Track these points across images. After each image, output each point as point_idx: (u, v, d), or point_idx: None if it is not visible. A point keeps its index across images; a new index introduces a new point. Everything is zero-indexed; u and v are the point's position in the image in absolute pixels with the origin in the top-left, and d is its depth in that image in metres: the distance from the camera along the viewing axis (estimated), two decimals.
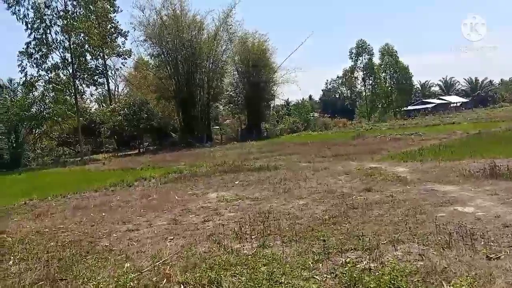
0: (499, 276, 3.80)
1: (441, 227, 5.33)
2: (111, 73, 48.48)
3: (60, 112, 32.29)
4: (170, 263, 4.86)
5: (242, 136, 40.06)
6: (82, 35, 32.05)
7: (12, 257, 5.72)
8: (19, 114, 29.96)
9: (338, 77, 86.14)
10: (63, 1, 31.00)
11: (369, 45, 62.22)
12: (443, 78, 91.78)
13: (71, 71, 32.09)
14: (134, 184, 12.95)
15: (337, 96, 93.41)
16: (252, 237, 5.71)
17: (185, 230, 6.52)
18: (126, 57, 42.58)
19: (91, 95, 42.70)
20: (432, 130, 27.85)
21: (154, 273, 4.56)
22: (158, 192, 10.75)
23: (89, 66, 34.40)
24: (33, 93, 32.83)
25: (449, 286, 3.69)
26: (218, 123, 52.59)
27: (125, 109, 34.56)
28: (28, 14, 29.87)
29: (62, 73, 32.50)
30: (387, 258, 4.43)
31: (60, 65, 31.91)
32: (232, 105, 46.26)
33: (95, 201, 10.24)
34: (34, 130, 35.96)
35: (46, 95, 32.57)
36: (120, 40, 41.82)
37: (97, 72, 36.73)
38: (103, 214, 8.44)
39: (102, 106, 48.83)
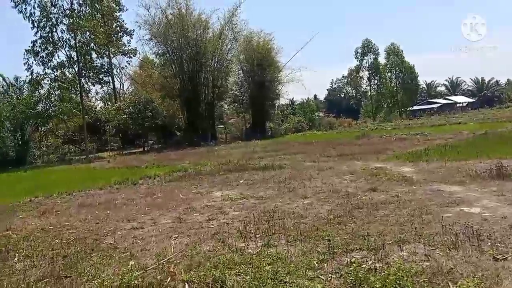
0: (506, 277, 3.77)
1: (447, 228, 5.29)
2: (117, 71, 48.61)
3: (65, 110, 32.41)
4: (175, 262, 4.86)
5: (246, 135, 40.05)
6: (88, 33, 32.22)
7: (17, 254, 5.75)
8: (25, 111, 30.11)
9: (343, 76, 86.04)
10: (69, 0, 31.21)
11: (374, 44, 62.19)
12: (449, 78, 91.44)
13: (76, 69, 32.32)
14: (138, 182, 12.96)
15: (342, 95, 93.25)
16: (257, 236, 5.69)
17: (190, 229, 6.51)
18: (132, 55, 42.81)
19: (97, 93, 42.71)
20: (438, 130, 27.68)
21: (159, 271, 4.56)
22: (163, 191, 10.76)
23: (95, 65, 34.65)
24: (39, 91, 33.06)
25: (456, 287, 3.65)
26: (223, 122, 52.59)
27: (130, 107, 34.69)
28: (34, 13, 30.16)
29: (68, 71, 32.81)
30: (393, 258, 4.40)
31: (66, 63, 32.15)
32: (236, 104, 46.29)
33: (100, 199, 10.27)
34: (39, 128, 36.10)
35: (52, 93, 32.75)
36: (125, 38, 42.11)
37: (103, 70, 36.95)
38: (108, 212, 8.46)
39: (107, 104, 48.92)
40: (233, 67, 42.87)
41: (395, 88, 61.84)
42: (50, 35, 30.82)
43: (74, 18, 30.61)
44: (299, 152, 19.20)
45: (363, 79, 65.37)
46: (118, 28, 40.93)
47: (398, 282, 3.73)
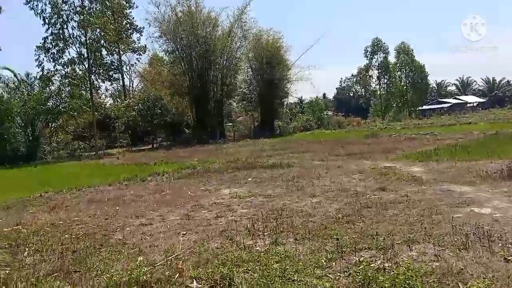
0: None
1: (457, 228, 5.23)
2: (126, 68, 49.04)
3: (75, 107, 32.65)
4: (183, 258, 4.87)
5: (255, 133, 40.06)
6: (98, 30, 32.34)
7: (27, 248, 5.79)
8: (35, 107, 30.36)
9: (352, 75, 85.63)
10: None
11: (384, 43, 61.74)
12: (460, 78, 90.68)
13: (87, 66, 32.48)
14: (147, 179, 13.04)
15: (351, 94, 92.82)
16: (265, 234, 5.68)
17: (198, 226, 6.52)
18: (141, 53, 42.92)
19: (106, 90, 42.96)
20: (448, 130, 27.45)
21: (167, 267, 4.57)
22: (171, 187, 10.80)
23: (105, 62, 34.78)
24: (50, 87, 33.29)
25: (466, 287, 3.62)
26: (231, 120, 52.67)
27: (140, 104, 34.82)
28: (45, 9, 30.35)
29: (78, 68, 32.96)
30: (402, 258, 4.37)
31: (76, 60, 32.32)
32: (245, 102, 46.24)
33: (109, 194, 10.33)
34: (50, 124, 36.42)
35: (62, 90, 32.97)
36: (135, 36, 42.26)
37: (112, 67, 37.08)
38: (117, 208, 8.50)
39: (117, 101, 49.27)
40: (242, 65, 42.88)
41: (404, 87, 61.28)
42: (61, 31, 31.02)
43: (84, 15, 30.77)
44: (308, 150, 19.15)
45: (372, 78, 65.08)
46: (128, 26, 41.08)
47: (408, 282, 3.70)
